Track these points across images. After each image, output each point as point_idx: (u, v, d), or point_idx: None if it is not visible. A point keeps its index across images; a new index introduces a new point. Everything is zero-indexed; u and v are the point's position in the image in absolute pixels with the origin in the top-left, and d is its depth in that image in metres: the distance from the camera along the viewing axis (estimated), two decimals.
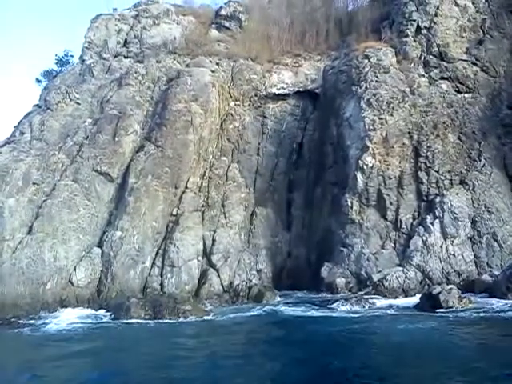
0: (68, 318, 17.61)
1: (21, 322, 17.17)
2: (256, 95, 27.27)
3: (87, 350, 12.75)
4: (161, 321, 16.88)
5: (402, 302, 17.93)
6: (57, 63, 37.47)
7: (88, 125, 24.05)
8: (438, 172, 22.45)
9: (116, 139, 23.37)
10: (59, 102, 24.48)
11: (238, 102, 26.85)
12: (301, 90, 28.05)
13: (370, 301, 18.07)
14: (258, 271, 22.87)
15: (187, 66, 27.18)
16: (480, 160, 22.91)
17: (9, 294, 19.00)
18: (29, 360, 11.82)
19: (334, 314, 16.45)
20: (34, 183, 21.59)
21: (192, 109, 24.29)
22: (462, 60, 25.84)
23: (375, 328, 13.79)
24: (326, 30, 30.16)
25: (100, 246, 21.30)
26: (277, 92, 27.67)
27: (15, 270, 19.48)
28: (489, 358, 9.66)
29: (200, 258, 22.27)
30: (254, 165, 26.29)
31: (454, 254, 20.65)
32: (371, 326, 14.00)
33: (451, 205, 21.46)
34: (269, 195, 25.85)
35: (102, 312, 18.65)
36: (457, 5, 27.14)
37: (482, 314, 14.54)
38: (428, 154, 22.75)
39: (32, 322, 17.19)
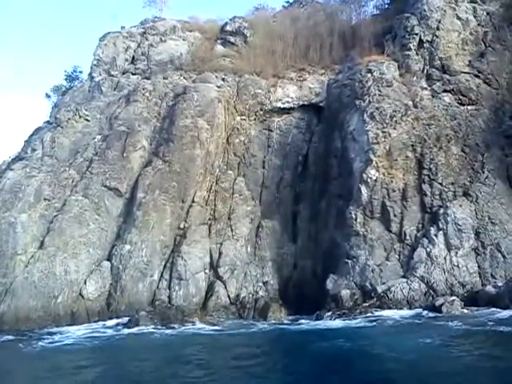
0: (79, 330, 18.11)
1: (32, 335, 17.57)
2: (261, 109, 27.75)
3: (94, 363, 13.16)
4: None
5: (405, 313, 18.14)
6: (66, 79, 38.47)
7: (97, 141, 24.70)
8: (441, 184, 22.70)
9: (125, 155, 23.98)
10: (69, 119, 25.16)
11: (243, 117, 27.34)
12: (305, 103, 28.49)
13: (373, 313, 18.31)
14: (265, 283, 23.20)
15: (193, 81, 27.79)
16: (483, 172, 23.14)
17: (22, 308, 19.57)
18: (32, 373, 12.22)
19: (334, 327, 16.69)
20: (45, 199, 22.20)
21: (198, 124, 24.86)
22: (464, 72, 26.17)
23: (374, 342, 14.01)
24: (330, 43, 30.64)
25: (109, 259, 21.81)
26: (282, 106, 28.13)
27: (28, 283, 20.04)
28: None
29: (207, 271, 22.69)
30: (260, 178, 26.69)
31: (457, 266, 20.83)
32: (370, 341, 14.24)
33: (455, 216, 21.67)
34: (275, 207, 26.20)
35: (111, 323, 19.12)
36: (458, 18, 27.54)
37: (480, 327, 14.62)
38: (431, 166, 23.03)
39: (43, 335, 17.58)
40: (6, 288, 19.82)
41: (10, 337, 17.37)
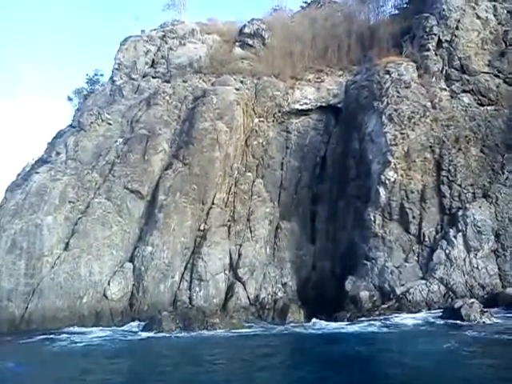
0: (102, 331, 18.67)
1: (56, 336, 18.03)
2: (279, 111, 27.98)
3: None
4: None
5: (424, 316, 18.20)
6: (87, 82, 39.20)
7: (119, 144, 25.25)
8: (460, 185, 22.64)
9: (146, 158, 24.48)
10: (92, 122, 25.76)
11: (261, 119, 27.62)
12: (323, 104, 28.62)
13: (390, 316, 18.42)
14: (284, 284, 23.47)
15: (212, 84, 28.16)
16: (503, 173, 22.98)
17: (48, 307, 20.24)
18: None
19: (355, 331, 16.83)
20: (69, 201, 22.83)
21: (218, 127, 25.22)
22: (484, 72, 25.96)
23: (391, 348, 14.01)
24: (348, 44, 30.67)
25: (132, 260, 22.34)
26: (300, 108, 28.32)
27: (54, 284, 20.70)
28: None
29: (227, 272, 23.06)
30: (279, 179, 26.94)
31: (477, 267, 20.81)
32: (387, 346, 14.27)
33: (474, 218, 21.61)
34: (293, 209, 26.43)
35: (134, 324, 19.64)
36: (478, 17, 27.30)
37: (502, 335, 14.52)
38: (450, 167, 22.98)
39: (67, 335, 18.09)
40: (34, 288, 20.50)
41: (37, 337, 17.85)
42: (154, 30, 32.64)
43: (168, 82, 28.52)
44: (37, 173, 23.87)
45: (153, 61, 30.50)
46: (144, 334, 17.86)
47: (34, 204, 22.25)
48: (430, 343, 14.15)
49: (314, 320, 19.93)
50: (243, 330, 18.25)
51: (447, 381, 10.28)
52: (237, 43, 32.20)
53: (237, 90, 27.33)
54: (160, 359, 13.99)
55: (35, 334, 18.43)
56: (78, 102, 38.27)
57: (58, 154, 24.80)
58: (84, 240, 21.85)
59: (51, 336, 17.88)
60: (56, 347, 16.13)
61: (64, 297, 20.59)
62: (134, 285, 21.68)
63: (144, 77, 29.61)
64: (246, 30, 32.25)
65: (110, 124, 26.00)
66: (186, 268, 22.58)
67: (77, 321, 20.22)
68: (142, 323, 19.36)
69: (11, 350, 16.81)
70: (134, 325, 19.65)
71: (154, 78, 29.49)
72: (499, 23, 27.24)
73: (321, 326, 18.79)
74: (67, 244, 21.77)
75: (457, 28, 26.96)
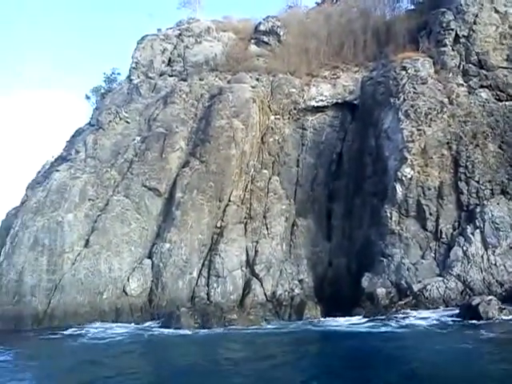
0: (124, 327, 19.08)
1: (79, 331, 18.51)
2: (295, 108, 28.01)
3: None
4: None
5: (441, 313, 18.19)
6: (105, 80, 39.65)
7: (137, 142, 25.61)
8: (478, 182, 22.51)
9: (163, 156, 24.80)
10: (110, 121, 26.16)
11: (277, 116, 27.70)
12: (339, 101, 28.53)
13: (407, 314, 18.44)
14: (300, 281, 23.62)
15: (228, 82, 28.32)
16: None
17: (70, 303, 20.74)
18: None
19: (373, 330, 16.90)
20: (89, 199, 23.28)
21: (234, 124, 25.40)
22: (502, 67, 25.69)
23: (406, 346, 14.04)
24: (364, 40, 30.50)
25: (150, 257, 22.68)
26: (315, 104, 28.28)
27: (75, 280, 21.18)
28: None
29: (244, 269, 23.28)
30: (294, 176, 27.00)
31: (495, 264, 20.72)
32: (402, 344, 14.28)
33: (492, 215, 21.52)
34: (309, 206, 26.50)
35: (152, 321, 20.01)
36: (496, 12, 26.95)
37: None
38: (468, 164, 22.85)
39: (87, 331, 18.62)
40: (56, 284, 21.00)
41: (57, 335, 18.24)
42: (171, 28, 32.89)
43: (184, 80, 28.75)
44: (57, 171, 24.35)
45: (169, 59, 30.76)
46: (163, 331, 18.13)
47: (55, 202, 22.74)
48: (445, 342, 14.13)
49: (329, 317, 20.08)
50: (261, 327, 18.42)
51: (462, 380, 10.27)
52: (252, 40, 32.27)
53: (252, 87, 27.44)
54: (180, 356, 14.23)
55: (58, 329, 18.91)
56: (96, 100, 38.80)
57: (77, 152, 25.25)
58: (103, 237, 22.28)
59: (73, 332, 18.29)
60: (78, 342, 16.50)
61: (85, 292, 21.06)
62: (152, 281, 22.04)
63: (161, 75, 29.89)
64: (262, 28, 32.29)
65: (127, 122, 26.37)
66: (203, 264, 22.87)
67: (97, 316, 20.68)
68: (161, 319, 19.70)
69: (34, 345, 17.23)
70: (152, 321, 19.98)
71: (170, 76, 29.75)
72: None
73: (337, 322, 18.86)
74: (87, 241, 22.22)
75: (474, 23, 26.68)
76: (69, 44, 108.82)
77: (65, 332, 18.47)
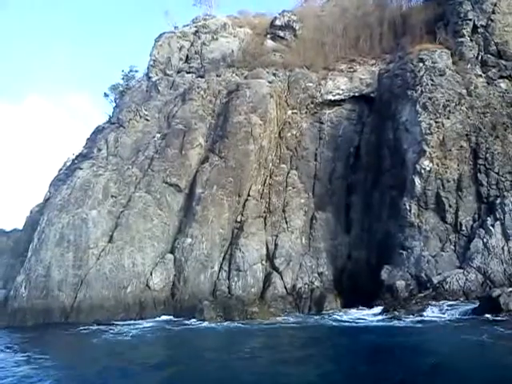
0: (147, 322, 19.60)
1: (102, 327, 18.87)
2: (312, 102, 28.17)
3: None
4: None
5: (460, 307, 18.20)
6: (123, 78, 40.13)
7: (157, 139, 26.07)
8: (498, 173, 22.43)
9: (183, 152, 25.22)
10: (130, 119, 26.65)
11: (294, 111, 27.88)
12: (356, 94, 28.60)
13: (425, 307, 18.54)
14: (320, 274, 23.86)
15: (245, 78, 28.57)
16: None
17: (95, 297, 21.33)
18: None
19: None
20: (112, 196, 23.82)
21: (252, 120, 25.67)
22: None
23: (424, 341, 13.99)
24: (380, 33, 30.46)
25: (172, 252, 23.17)
26: (332, 98, 28.40)
27: (100, 275, 21.76)
28: None
29: (264, 262, 23.61)
30: (312, 170, 27.17)
31: None
32: (420, 339, 14.24)
33: None
34: (327, 199, 26.66)
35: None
36: None
37: None
38: (487, 155, 22.77)
39: (113, 326, 18.98)
40: (82, 279, 21.61)
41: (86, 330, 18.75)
42: (187, 25, 33.23)
43: (202, 76, 29.08)
44: (80, 169, 24.91)
45: (187, 56, 31.15)
46: (190, 322, 18.52)
47: (79, 199, 23.32)
48: (463, 336, 14.08)
49: (350, 310, 20.32)
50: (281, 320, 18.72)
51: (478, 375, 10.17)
52: (268, 35, 32.46)
53: (269, 82, 27.65)
54: (204, 349, 14.49)
55: (85, 324, 19.44)
56: (115, 97, 39.35)
57: (99, 150, 25.80)
58: (127, 232, 22.81)
59: (100, 327, 18.78)
60: (104, 338, 16.86)
61: (109, 287, 21.63)
62: (175, 275, 22.52)
63: (178, 72, 30.28)
64: (277, 23, 32.44)
65: (147, 120, 26.82)
66: (224, 258, 23.27)
67: (122, 310, 21.26)
68: (184, 313, 20.18)
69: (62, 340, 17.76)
70: (174, 315, 20.46)
71: (188, 73, 30.12)
72: None
73: (357, 315, 19.05)
74: (111, 236, 22.77)
75: (493, 12, 26.45)
76: (85, 44, 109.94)
77: (92, 327, 18.92)
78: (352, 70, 29.31)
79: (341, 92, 28.51)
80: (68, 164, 34.75)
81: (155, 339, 16.31)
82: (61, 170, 35.22)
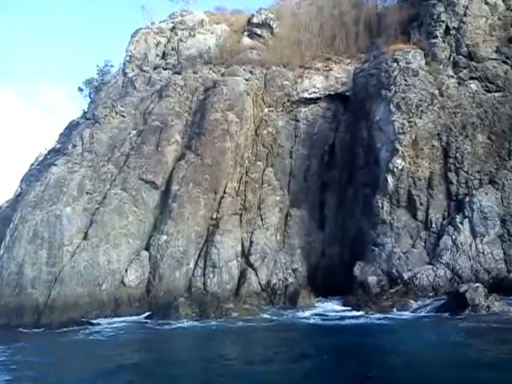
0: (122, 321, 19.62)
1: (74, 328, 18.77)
2: (288, 100, 28.44)
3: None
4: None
5: (429, 301, 18.78)
6: (98, 73, 39.77)
7: (133, 136, 25.95)
8: (467, 172, 23.06)
9: (159, 149, 25.18)
10: (106, 115, 26.44)
11: (271, 108, 28.11)
12: (332, 93, 28.97)
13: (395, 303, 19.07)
14: (294, 270, 24.22)
15: (222, 75, 28.63)
16: (510, 159, 23.29)
17: (70, 295, 21.19)
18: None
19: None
20: (87, 192, 23.66)
21: (228, 117, 25.80)
22: (491, 59, 26.09)
23: (392, 338, 14.25)
24: (356, 32, 30.90)
25: (148, 249, 23.17)
26: (308, 96, 28.71)
27: (74, 272, 21.62)
28: None
29: (239, 259, 23.84)
30: (288, 167, 27.48)
31: (483, 253, 21.30)
32: (387, 336, 14.50)
33: (480, 204, 22.03)
34: (302, 196, 27.01)
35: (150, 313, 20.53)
36: (486, 3, 27.28)
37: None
38: (457, 154, 23.39)
39: (86, 325, 19.01)
40: (56, 276, 21.43)
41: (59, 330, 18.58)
42: (164, 21, 33.07)
43: (179, 73, 29.03)
44: (54, 165, 24.64)
45: (163, 53, 31.03)
46: (165, 321, 18.58)
47: (54, 195, 23.09)
48: (431, 333, 14.44)
49: (323, 305, 20.74)
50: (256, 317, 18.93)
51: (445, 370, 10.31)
52: (245, 33, 32.56)
53: (246, 80, 27.79)
54: (178, 350, 14.48)
55: (60, 322, 19.37)
56: (89, 92, 39.01)
57: (74, 146, 25.55)
58: (102, 230, 22.71)
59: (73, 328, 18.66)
60: (76, 338, 16.72)
61: (84, 284, 21.51)
62: (150, 272, 22.54)
63: (155, 69, 30.16)
64: (255, 20, 32.55)
65: (123, 116, 26.66)
66: (199, 255, 23.39)
67: (97, 307, 21.19)
68: (159, 310, 20.23)
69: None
70: (150, 312, 20.50)
71: (164, 69, 30.02)
72: (507, 8, 27.24)
73: (331, 312, 19.45)
74: (86, 234, 22.63)
75: (465, 15, 27.03)
76: (59, 37, 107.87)
77: (65, 328, 18.78)
78: (328, 68, 29.69)
79: (317, 90, 28.84)
80: (40, 159, 34.36)
81: (128, 339, 16.22)
82: (32, 165, 34.80)
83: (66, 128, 34.97)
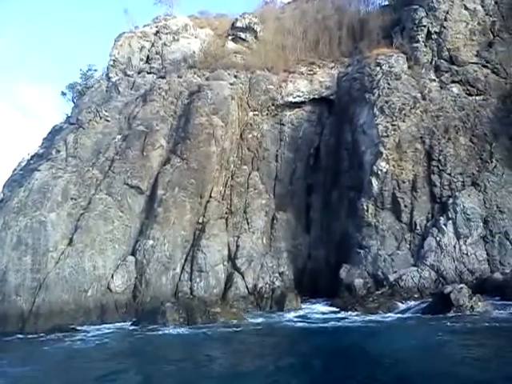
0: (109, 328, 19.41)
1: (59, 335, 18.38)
2: (273, 104, 28.59)
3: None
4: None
5: (414, 303, 19.03)
6: (81, 77, 39.45)
7: (118, 141, 25.75)
8: (450, 174, 23.46)
9: (144, 154, 25.04)
10: (90, 120, 26.20)
11: (256, 112, 28.22)
12: (316, 97, 29.23)
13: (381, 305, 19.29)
14: (280, 273, 24.28)
15: (207, 79, 28.64)
16: (491, 161, 23.80)
17: (55, 301, 20.85)
18: None
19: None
20: (71, 198, 23.37)
21: (213, 122, 25.79)
22: (472, 63, 26.66)
23: (376, 340, 14.32)
24: (339, 37, 31.21)
25: (134, 254, 22.98)
26: (293, 100, 28.92)
27: (59, 278, 21.32)
28: None
29: (226, 263, 23.82)
30: (273, 171, 27.62)
31: (467, 254, 21.65)
32: (372, 338, 14.58)
33: (463, 206, 22.43)
34: (288, 200, 27.15)
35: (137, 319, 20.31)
36: (466, 8, 27.88)
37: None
38: (440, 157, 23.77)
39: (72, 332, 18.66)
40: (40, 283, 21.09)
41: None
42: (148, 25, 32.99)
43: (163, 77, 28.94)
44: (38, 170, 24.32)
45: (147, 57, 30.94)
46: (152, 327, 18.43)
47: (37, 201, 22.76)
48: (416, 335, 14.62)
49: (310, 307, 20.84)
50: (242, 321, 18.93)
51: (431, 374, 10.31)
52: (229, 37, 32.65)
53: (231, 84, 27.84)
54: (165, 358, 14.25)
55: (44, 330, 19.10)
56: (72, 96, 38.63)
57: (58, 151, 25.24)
58: (87, 235, 22.47)
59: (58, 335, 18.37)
60: (61, 346, 16.40)
61: (69, 291, 21.22)
62: (136, 277, 22.36)
63: (139, 73, 30.04)
64: (239, 24, 32.67)
65: (107, 121, 26.47)
66: (186, 260, 23.29)
67: (82, 313, 20.91)
68: (146, 315, 20.06)
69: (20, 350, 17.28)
70: (136, 318, 20.26)
71: (149, 73, 29.92)
72: (487, 14, 27.88)
73: (317, 314, 19.55)
74: (71, 239, 22.34)
75: (445, 19, 27.55)
76: (40, 41, 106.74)
77: (49, 335, 18.47)
78: (312, 72, 29.91)
79: (301, 94, 29.05)
80: (23, 164, 33.86)
81: (115, 347, 15.97)
82: (15, 170, 34.26)
83: (49, 133, 34.55)
